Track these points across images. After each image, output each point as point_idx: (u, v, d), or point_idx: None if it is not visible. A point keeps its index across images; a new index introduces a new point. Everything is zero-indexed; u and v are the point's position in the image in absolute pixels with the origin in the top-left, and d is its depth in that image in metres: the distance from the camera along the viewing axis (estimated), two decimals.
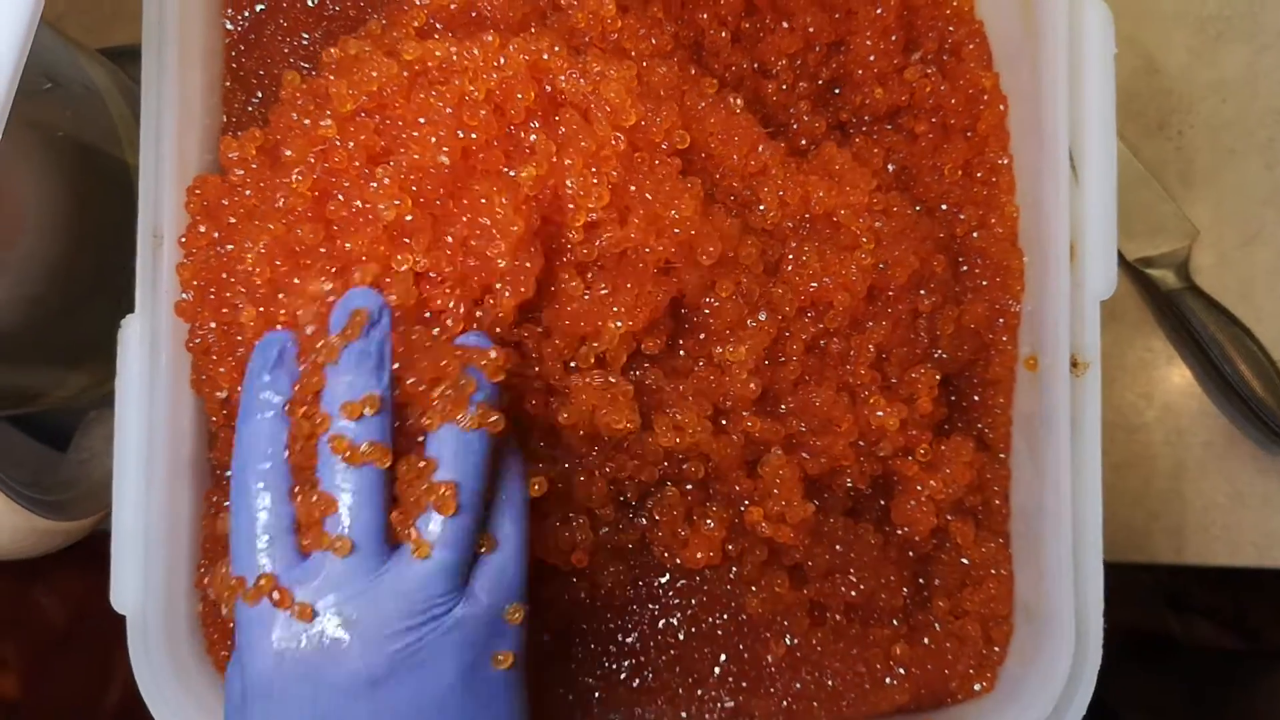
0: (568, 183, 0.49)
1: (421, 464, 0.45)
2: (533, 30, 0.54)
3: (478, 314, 0.49)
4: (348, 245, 0.48)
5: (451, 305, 0.48)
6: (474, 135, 0.49)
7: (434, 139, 0.48)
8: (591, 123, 0.50)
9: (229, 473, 0.54)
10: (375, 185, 0.48)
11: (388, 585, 0.43)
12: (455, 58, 0.50)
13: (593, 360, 0.51)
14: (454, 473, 0.45)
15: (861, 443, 0.55)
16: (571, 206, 0.50)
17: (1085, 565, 0.53)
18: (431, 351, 0.46)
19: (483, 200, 0.48)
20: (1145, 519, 0.76)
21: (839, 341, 0.54)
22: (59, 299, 0.56)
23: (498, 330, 0.49)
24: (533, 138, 0.49)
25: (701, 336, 0.54)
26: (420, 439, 0.46)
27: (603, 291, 0.51)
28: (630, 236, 0.50)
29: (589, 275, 0.51)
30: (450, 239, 0.48)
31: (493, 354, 0.46)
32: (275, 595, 0.43)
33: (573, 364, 0.52)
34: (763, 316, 0.53)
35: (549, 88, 0.50)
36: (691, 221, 0.50)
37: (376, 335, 0.46)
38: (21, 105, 0.43)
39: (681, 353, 0.54)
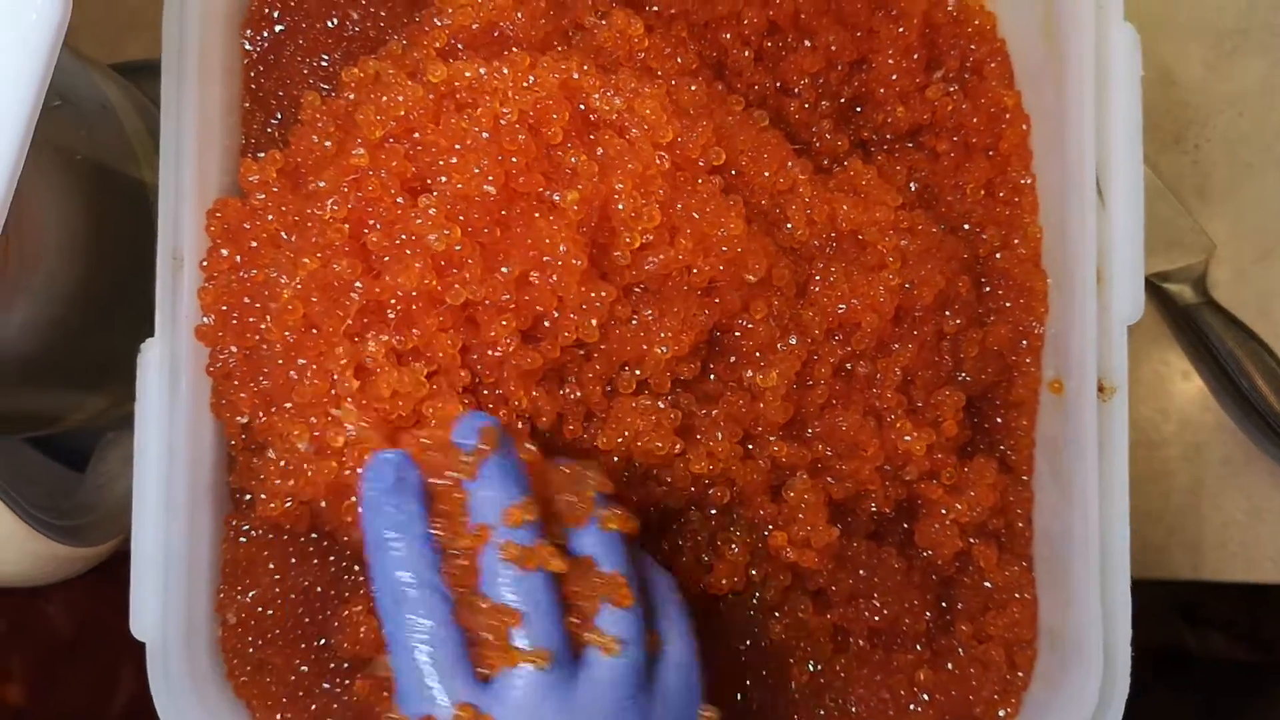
0: (618, 204, 0.49)
1: (587, 563, 0.45)
2: (558, 49, 0.54)
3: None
4: (399, 279, 0.47)
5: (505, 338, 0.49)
6: (514, 159, 0.48)
7: (477, 167, 0.48)
8: (630, 142, 0.49)
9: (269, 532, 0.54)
10: (419, 216, 0.48)
11: (586, 692, 0.43)
12: (485, 78, 0.49)
13: (634, 386, 0.51)
14: (614, 566, 0.44)
15: (887, 466, 0.55)
16: (621, 228, 0.49)
17: (1113, 591, 0.53)
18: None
19: (532, 227, 0.48)
20: (1163, 535, 0.76)
21: (865, 364, 0.54)
22: (78, 321, 0.56)
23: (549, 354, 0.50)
24: (572, 159, 0.49)
25: (732, 360, 0.53)
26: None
27: (648, 315, 0.50)
28: (679, 257, 0.50)
29: (631, 299, 0.51)
30: (506, 270, 0.48)
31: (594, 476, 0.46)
32: None
33: (608, 388, 0.51)
34: (793, 340, 0.52)
35: (582, 106, 0.50)
36: (740, 239, 0.50)
37: (509, 447, 0.45)
38: (36, 124, 0.42)
39: (712, 377, 0.53)
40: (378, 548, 0.44)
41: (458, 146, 0.48)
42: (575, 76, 0.50)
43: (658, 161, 0.49)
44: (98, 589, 0.64)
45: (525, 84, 0.49)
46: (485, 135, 0.48)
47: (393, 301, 0.49)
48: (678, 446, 0.51)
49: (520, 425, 0.50)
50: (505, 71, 0.49)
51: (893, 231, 0.54)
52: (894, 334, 0.55)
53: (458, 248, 0.48)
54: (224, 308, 0.54)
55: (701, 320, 0.51)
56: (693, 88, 0.52)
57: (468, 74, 0.50)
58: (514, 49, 0.53)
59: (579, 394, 0.51)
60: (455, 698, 0.42)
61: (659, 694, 0.44)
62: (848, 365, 0.54)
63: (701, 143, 0.51)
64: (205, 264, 0.54)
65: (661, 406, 0.51)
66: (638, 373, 0.51)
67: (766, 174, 0.53)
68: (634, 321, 0.50)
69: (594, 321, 0.49)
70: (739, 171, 0.53)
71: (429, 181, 0.49)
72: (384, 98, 0.50)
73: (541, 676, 0.42)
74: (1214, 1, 0.78)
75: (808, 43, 0.59)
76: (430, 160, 0.49)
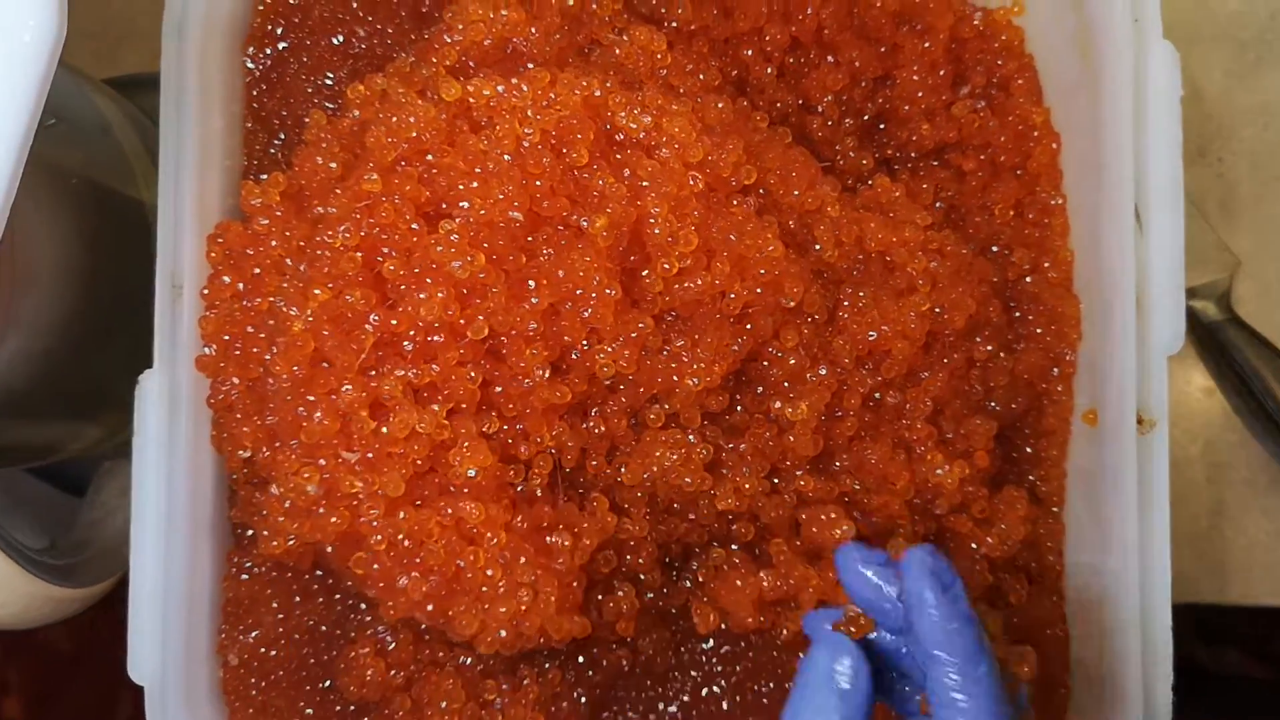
0: (654, 228, 0.47)
1: None
2: (573, 66, 0.51)
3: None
4: (420, 310, 0.45)
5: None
6: (538, 182, 0.46)
7: (501, 192, 0.46)
8: (662, 162, 0.47)
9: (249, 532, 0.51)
10: (440, 243, 0.45)
11: None
12: (503, 96, 0.47)
13: (663, 419, 0.49)
14: None
15: (916, 500, 0.52)
16: (656, 254, 0.47)
17: (1153, 632, 0.51)
18: None
19: (562, 256, 0.46)
20: (1190, 559, 0.74)
21: (895, 394, 0.52)
22: (73, 351, 0.53)
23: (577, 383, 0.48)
24: (600, 182, 0.47)
25: (759, 390, 0.51)
26: None
27: (679, 345, 0.48)
28: (715, 282, 0.47)
29: (662, 327, 0.49)
30: (535, 301, 0.46)
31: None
32: None
33: (633, 421, 0.49)
34: (823, 371, 0.50)
35: (608, 125, 0.48)
36: (779, 262, 0.48)
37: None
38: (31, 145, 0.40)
39: (738, 408, 0.51)
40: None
41: (478, 170, 0.46)
42: (598, 94, 0.47)
43: (691, 182, 0.47)
44: (98, 605, 0.62)
45: (545, 102, 0.47)
46: (507, 157, 0.46)
47: (411, 334, 0.46)
48: (710, 483, 0.49)
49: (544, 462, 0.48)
50: (525, 89, 0.47)
51: (921, 253, 0.52)
52: (923, 362, 0.53)
53: (481, 275, 0.46)
54: (226, 337, 0.51)
55: (734, 350, 0.49)
56: (719, 105, 0.50)
57: (486, 92, 0.47)
58: (529, 66, 0.50)
59: (603, 428, 0.49)
60: None
61: None
62: (876, 395, 0.52)
63: (732, 160, 0.48)
64: (206, 292, 0.52)
65: (692, 440, 0.49)
66: (666, 406, 0.49)
67: (795, 193, 0.51)
68: (665, 352, 0.48)
69: (627, 353, 0.47)
70: (767, 191, 0.51)
71: (445, 207, 0.47)
72: (394, 118, 0.48)
73: None
74: (1236, 13, 0.76)
75: (830, 59, 0.57)
76: (449, 184, 0.47)
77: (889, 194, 0.54)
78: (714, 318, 0.49)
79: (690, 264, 0.48)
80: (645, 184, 0.47)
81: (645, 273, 0.48)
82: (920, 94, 0.58)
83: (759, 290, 0.48)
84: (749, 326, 0.49)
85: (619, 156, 0.48)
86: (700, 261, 0.48)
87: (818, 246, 0.52)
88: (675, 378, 0.48)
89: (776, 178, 0.51)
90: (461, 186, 0.46)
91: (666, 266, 0.47)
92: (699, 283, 0.48)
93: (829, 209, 0.51)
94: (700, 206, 0.48)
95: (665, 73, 0.51)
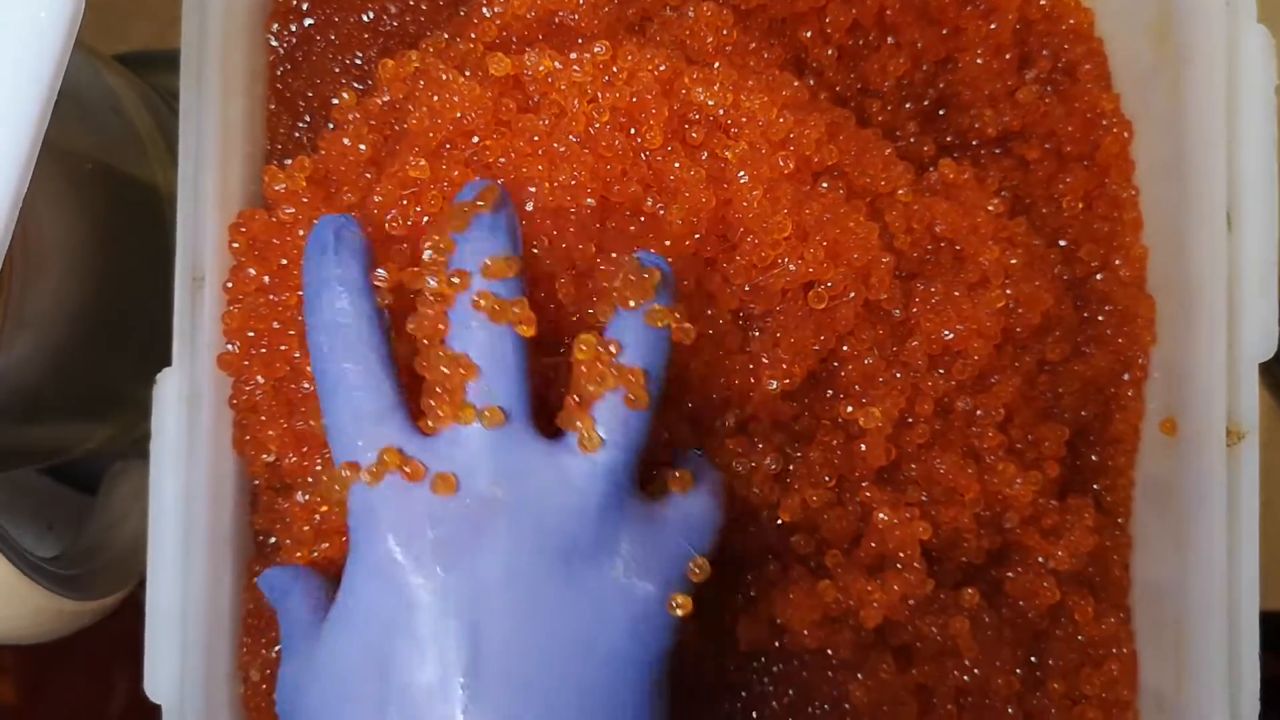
0: (747, 212, 0.43)
1: (610, 347, 0.39)
2: (624, 41, 0.48)
3: None
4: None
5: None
6: (608, 167, 0.43)
7: (573, 177, 0.42)
8: (750, 144, 0.44)
9: (299, 483, 0.48)
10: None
11: (539, 472, 0.38)
12: (560, 72, 0.43)
13: (732, 425, 0.46)
14: (642, 361, 0.39)
15: (984, 512, 0.49)
16: (744, 242, 0.44)
17: (1240, 659, 0.48)
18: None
19: (635, 245, 0.43)
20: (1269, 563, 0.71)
21: (965, 399, 0.48)
22: (86, 348, 0.50)
23: None
24: (675, 164, 0.43)
25: (828, 394, 0.48)
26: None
27: (756, 339, 0.45)
28: (809, 270, 0.44)
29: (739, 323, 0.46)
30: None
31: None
32: (406, 469, 0.38)
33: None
34: (897, 374, 0.47)
35: (679, 105, 0.45)
36: (873, 247, 0.44)
37: (508, 210, 0.41)
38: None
39: (805, 413, 0.48)
40: (316, 300, 0.41)
41: (541, 152, 0.43)
42: (663, 68, 0.44)
43: (780, 163, 0.44)
44: None
45: (607, 78, 0.43)
46: (573, 138, 0.43)
47: None
48: (773, 494, 0.46)
49: None
50: (586, 63, 0.43)
51: (993, 242, 0.49)
52: (994, 364, 0.49)
53: (548, 263, 0.43)
54: (250, 334, 0.48)
55: (815, 349, 0.45)
56: (795, 84, 0.46)
57: (542, 67, 0.44)
58: (579, 41, 0.47)
59: (668, 435, 0.45)
60: (382, 443, 0.38)
61: (637, 519, 0.39)
62: (945, 399, 0.49)
63: (815, 138, 0.45)
64: (230, 285, 0.48)
65: (761, 447, 0.46)
66: (740, 411, 0.46)
67: (869, 177, 0.47)
68: (748, 350, 0.45)
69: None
70: (841, 173, 0.48)
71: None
72: (436, 97, 0.44)
73: (488, 437, 0.38)
74: None
75: (890, 40, 0.54)
76: (512, 168, 0.43)
77: (957, 176, 0.51)
78: (797, 312, 0.45)
79: (781, 252, 0.44)
80: (733, 165, 0.44)
81: (725, 263, 0.45)
82: (983, 79, 0.54)
83: (850, 282, 0.45)
84: (830, 323, 0.46)
85: (694, 135, 0.44)
86: (793, 249, 0.44)
87: (889, 235, 0.48)
88: (752, 379, 0.45)
89: (850, 159, 0.47)
90: (525, 170, 0.43)
91: (763, 256, 0.44)
92: (793, 268, 0.44)
93: (902, 193, 0.48)
94: (791, 189, 0.44)
95: (731, 50, 0.48)
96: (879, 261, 0.46)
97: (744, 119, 0.44)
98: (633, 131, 0.44)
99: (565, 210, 0.43)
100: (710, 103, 0.44)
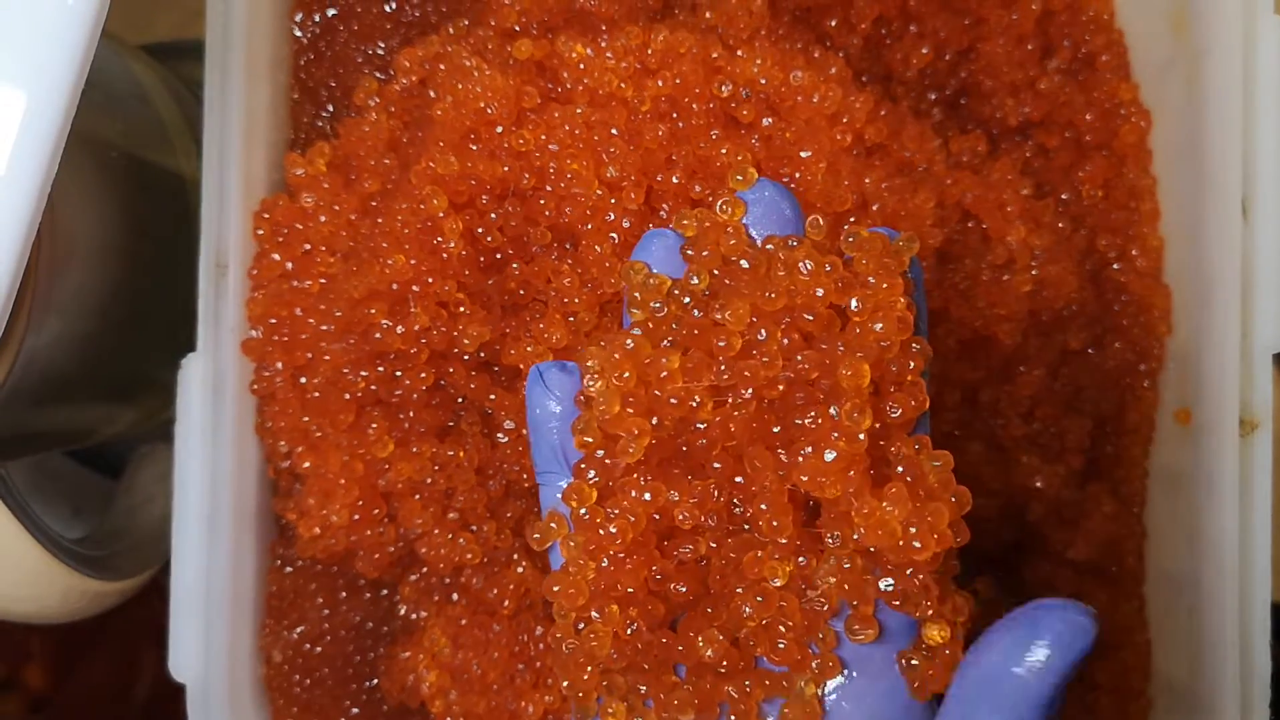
0: (812, 186, 0.43)
1: None
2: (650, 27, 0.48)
3: None
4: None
5: None
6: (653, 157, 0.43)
7: (615, 168, 0.42)
8: (807, 120, 0.44)
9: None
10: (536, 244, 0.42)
11: None
12: (592, 58, 0.43)
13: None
14: None
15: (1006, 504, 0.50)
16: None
17: (1252, 649, 0.48)
18: None
19: None
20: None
21: (988, 389, 0.48)
22: (111, 332, 0.51)
23: None
24: (723, 150, 0.43)
25: None
26: None
27: None
28: None
29: None
30: None
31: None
32: None
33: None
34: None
35: (726, 86, 0.44)
36: (929, 214, 0.44)
37: None
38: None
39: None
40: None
41: (582, 146, 0.43)
42: (693, 51, 0.44)
43: (839, 137, 0.44)
44: None
45: (640, 64, 0.43)
46: (614, 131, 0.42)
47: None
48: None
49: None
50: (621, 44, 0.43)
51: (1019, 221, 0.49)
52: (1018, 355, 0.49)
53: (597, 249, 0.43)
54: (272, 320, 0.49)
55: None
56: (836, 65, 0.46)
57: (574, 54, 0.44)
58: (603, 27, 0.47)
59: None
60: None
61: None
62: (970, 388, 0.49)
63: (866, 110, 0.45)
64: (254, 272, 0.49)
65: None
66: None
67: (909, 151, 0.47)
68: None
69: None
70: (882, 148, 0.48)
71: (531, 190, 0.43)
72: (460, 85, 0.44)
73: None
74: None
75: (913, 28, 0.54)
76: (546, 161, 0.43)
77: (978, 150, 0.51)
78: None
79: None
80: (790, 143, 0.43)
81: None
82: (1005, 68, 0.54)
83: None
84: None
85: (745, 113, 0.44)
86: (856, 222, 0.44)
87: None
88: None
89: (885, 137, 0.47)
90: (560, 164, 0.42)
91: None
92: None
93: (937, 168, 0.48)
94: (850, 162, 0.44)
95: (765, 32, 0.48)
96: (926, 237, 0.45)
97: (798, 96, 0.44)
98: (675, 116, 0.43)
99: (603, 203, 0.42)
100: (763, 80, 0.43)
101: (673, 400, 0.32)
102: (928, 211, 0.45)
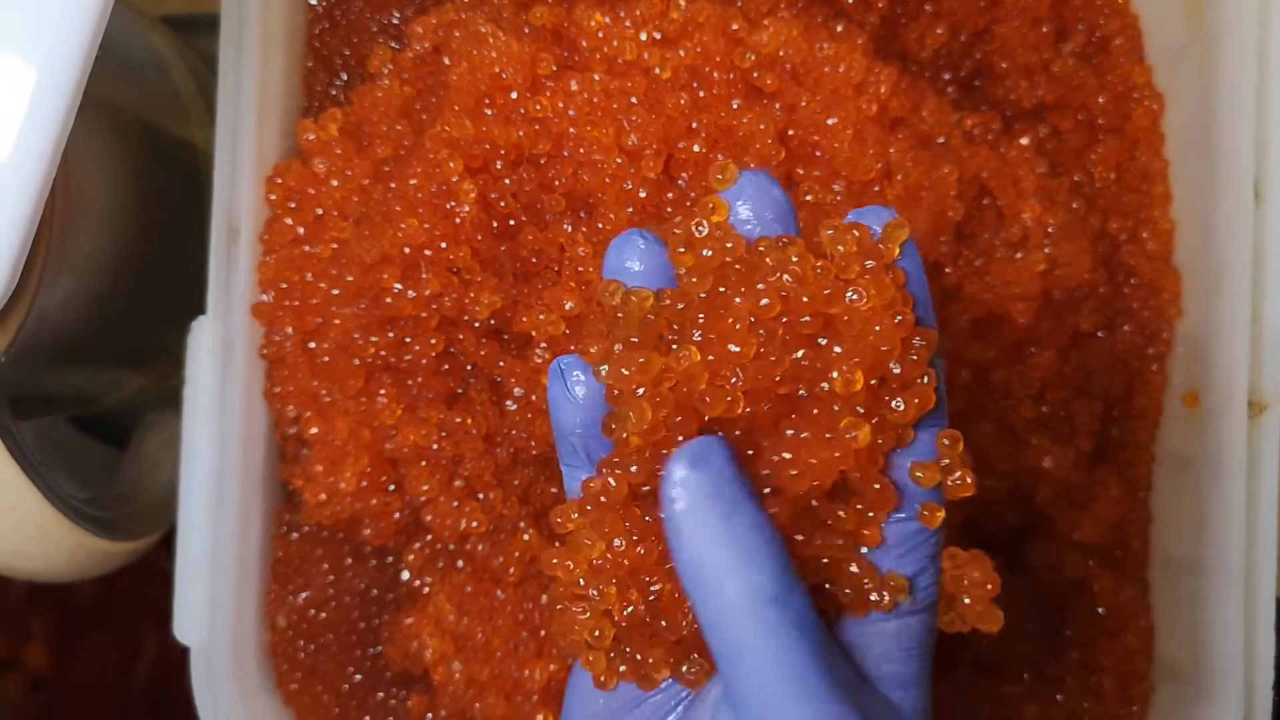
0: (838, 154, 0.43)
1: None
2: None
3: None
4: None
5: None
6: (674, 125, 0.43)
7: (637, 136, 0.42)
8: (833, 90, 0.44)
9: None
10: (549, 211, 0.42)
11: None
12: (610, 27, 0.43)
13: None
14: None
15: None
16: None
17: (1256, 634, 0.48)
18: None
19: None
20: None
21: (999, 370, 0.48)
22: (123, 296, 0.51)
23: None
24: (745, 120, 0.43)
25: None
26: None
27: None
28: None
29: None
30: None
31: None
32: None
33: None
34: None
35: (751, 55, 0.43)
36: (951, 184, 0.44)
37: None
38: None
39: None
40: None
41: (601, 114, 0.42)
42: (713, 22, 0.44)
43: (865, 107, 0.43)
44: None
45: (658, 35, 0.43)
46: (634, 100, 0.42)
47: None
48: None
49: None
50: (640, 13, 0.43)
51: (1033, 199, 0.49)
52: (1030, 335, 0.49)
53: (615, 217, 0.43)
54: (283, 285, 0.49)
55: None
56: (859, 41, 0.46)
57: (592, 23, 0.44)
58: None
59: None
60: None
61: None
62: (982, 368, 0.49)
63: (891, 81, 0.44)
64: (266, 237, 0.49)
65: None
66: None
67: (928, 125, 0.47)
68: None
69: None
70: (903, 121, 0.48)
71: (546, 157, 0.43)
72: (475, 51, 0.44)
73: None
74: None
75: (929, 8, 0.54)
76: (564, 128, 0.43)
77: (993, 128, 0.51)
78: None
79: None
80: (817, 112, 0.43)
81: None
82: (1020, 50, 0.54)
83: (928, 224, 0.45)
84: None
85: (770, 81, 0.43)
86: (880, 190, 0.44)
87: None
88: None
89: (906, 111, 0.47)
90: (579, 133, 0.42)
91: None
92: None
93: (955, 142, 0.48)
94: (876, 131, 0.44)
95: (784, 9, 0.48)
96: (947, 209, 0.45)
97: (825, 67, 0.44)
98: (695, 85, 0.43)
99: (624, 171, 0.42)
100: (791, 51, 0.43)
101: (708, 399, 0.29)
102: (951, 183, 0.45)
